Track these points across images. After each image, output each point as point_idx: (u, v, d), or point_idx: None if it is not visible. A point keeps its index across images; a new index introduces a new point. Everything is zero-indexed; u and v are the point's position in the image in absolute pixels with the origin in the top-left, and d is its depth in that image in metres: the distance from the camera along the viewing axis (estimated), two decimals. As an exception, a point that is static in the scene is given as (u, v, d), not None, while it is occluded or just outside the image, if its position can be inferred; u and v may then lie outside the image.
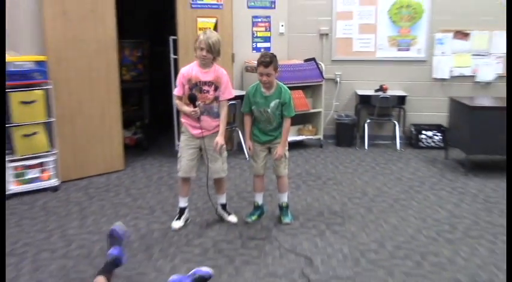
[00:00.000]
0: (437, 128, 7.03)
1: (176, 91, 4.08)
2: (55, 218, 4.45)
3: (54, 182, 5.19)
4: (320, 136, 7.07)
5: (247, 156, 6.40)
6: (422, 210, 4.63)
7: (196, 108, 3.96)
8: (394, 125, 7.05)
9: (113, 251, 3.24)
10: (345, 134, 7.09)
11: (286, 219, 4.31)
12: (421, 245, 3.88)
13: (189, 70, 4.02)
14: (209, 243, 3.91)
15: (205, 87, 4.00)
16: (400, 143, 6.93)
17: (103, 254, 3.72)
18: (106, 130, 5.64)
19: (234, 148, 6.85)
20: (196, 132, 4.06)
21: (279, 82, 4.15)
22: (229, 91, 4.09)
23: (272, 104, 4.08)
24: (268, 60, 3.97)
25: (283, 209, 4.38)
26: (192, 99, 3.97)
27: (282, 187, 4.38)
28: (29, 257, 3.68)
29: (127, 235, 3.45)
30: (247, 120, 4.27)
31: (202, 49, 3.90)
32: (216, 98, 4.06)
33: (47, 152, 5.16)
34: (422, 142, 7.00)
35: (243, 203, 4.77)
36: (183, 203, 4.30)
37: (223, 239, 3.98)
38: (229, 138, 6.81)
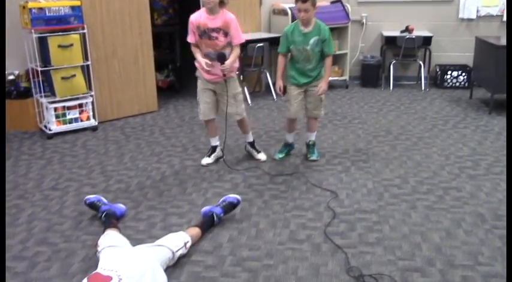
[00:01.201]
0: (463, 68, 6.77)
1: (189, 38, 3.92)
2: (94, 155, 4.51)
3: (92, 122, 5.24)
4: (346, 77, 6.90)
5: (274, 97, 6.33)
6: (446, 147, 4.52)
7: (212, 63, 3.80)
8: (420, 66, 6.81)
9: (104, 207, 3.26)
10: (370, 75, 6.90)
11: (313, 156, 4.26)
12: (444, 181, 3.81)
13: (197, 17, 3.83)
14: (239, 179, 3.92)
15: (214, 34, 3.80)
16: (425, 83, 6.72)
17: (140, 188, 3.78)
18: (140, 73, 5.62)
19: (262, 89, 6.76)
20: (209, 77, 3.94)
21: (318, 19, 3.94)
22: (239, 36, 3.85)
23: (311, 41, 3.87)
24: None
25: (310, 146, 4.31)
26: (220, 58, 3.80)
27: (312, 127, 4.28)
28: (71, 191, 3.76)
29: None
30: (282, 61, 4.05)
31: None
32: (228, 44, 3.86)
33: (85, 93, 5.18)
34: (447, 82, 6.77)
35: (271, 141, 4.74)
36: (213, 142, 4.28)
37: (253, 175, 3.98)
38: (258, 80, 6.71)
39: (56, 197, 3.66)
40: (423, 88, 6.69)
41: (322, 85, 3.97)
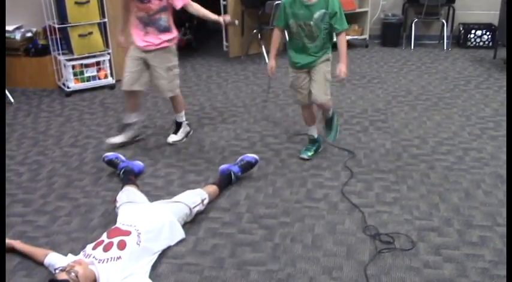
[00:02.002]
0: (487, 27, 6.55)
1: None
2: (113, 113, 4.52)
3: (110, 80, 5.23)
4: (366, 36, 6.74)
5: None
6: (467, 108, 4.43)
7: (146, 29, 3.44)
8: (442, 24, 6.61)
9: (122, 164, 3.27)
10: (391, 34, 6.72)
11: (304, 154, 3.53)
12: (464, 142, 3.74)
13: None
14: (256, 138, 3.90)
15: None
16: (447, 42, 6.54)
17: (158, 146, 3.80)
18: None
19: (280, 48, 6.63)
20: (142, 43, 3.47)
21: None
22: None
23: (316, 15, 3.10)
24: None
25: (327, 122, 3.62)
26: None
27: (326, 112, 3.54)
28: (90, 148, 3.79)
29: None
30: (277, 36, 3.36)
31: None
32: (163, 9, 3.41)
33: (102, 51, 5.15)
34: (471, 41, 6.57)
35: (289, 101, 4.68)
36: (128, 118, 3.75)
37: (270, 134, 3.96)
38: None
39: (76, 154, 3.69)
40: (445, 47, 6.51)
41: (341, 67, 3.22)
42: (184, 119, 3.86)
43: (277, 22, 3.37)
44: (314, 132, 3.57)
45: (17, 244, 2.54)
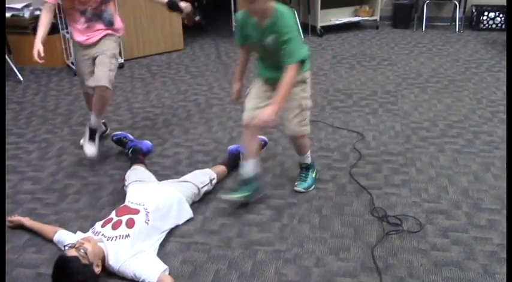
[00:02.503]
0: (501, 8, 6.43)
1: None
2: (121, 92, 4.51)
3: (119, 59, 5.20)
4: (376, 17, 6.65)
5: (302, 36, 6.16)
6: (478, 91, 4.38)
7: (87, 24, 3.09)
8: (455, 6, 6.50)
9: (130, 144, 3.28)
10: (402, 15, 6.63)
11: (300, 186, 2.88)
12: (475, 125, 3.71)
13: None
14: (265, 119, 3.88)
15: None
16: (459, 24, 6.44)
17: (166, 125, 3.79)
18: (165, 10, 5.48)
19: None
20: (85, 38, 3.11)
21: (279, 5, 2.46)
22: None
23: (269, 40, 2.49)
24: None
25: (302, 169, 2.95)
26: (172, 8, 3.17)
27: (300, 148, 2.86)
28: (99, 127, 3.79)
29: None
30: (242, 56, 2.78)
31: None
32: (104, 1, 3.07)
33: (110, 30, 5.12)
34: (483, 24, 6.47)
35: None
36: (94, 119, 3.21)
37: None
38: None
39: (84, 133, 3.69)
40: (457, 29, 6.42)
41: (267, 111, 2.44)
42: (94, 124, 3.22)
43: (236, 40, 2.83)
44: (250, 169, 2.68)
45: (26, 221, 2.56)
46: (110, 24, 3.15)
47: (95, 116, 3.19)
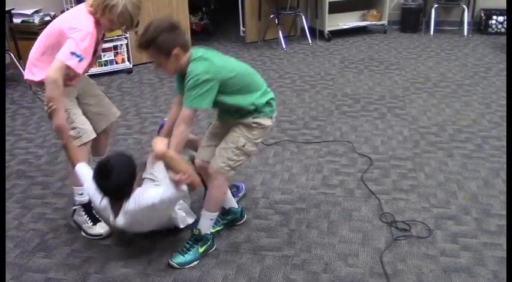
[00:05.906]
0: (509, 12, 6.41)
1: (78, 64, 2.36)
2: (130, 97, 4.53)
3: (127, 64, 5.24)
4: (384, 21, 6.64)
5: (310, 41, 6.17)
6: (487, 95, 4.35)
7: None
8: (463, 10, 6.47)
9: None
10: (410, 20, 6.62)
11: (174, 260, 2.35)
12: (484, 130, 3.69)
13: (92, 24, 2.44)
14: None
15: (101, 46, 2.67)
16: (468, 28, 6.42)
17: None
18: (173, 15, 5.53)
19: (297, 33, 6.60)
20: (73, 82, 2.57)
21: (194, 58, 2.26)
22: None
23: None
24: (142, 42, 2.21)
25: (193, 236, 2.41)
26: None
27: (207, 199, 2.43)
28: (108, 131, 3.81)
29: None
30: (173, 109, 2.49)
31: None
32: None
33: (119, 35, 5.15)
34: (492, 28, 6.44)
35: (305, 86, 4.66)
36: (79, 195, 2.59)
37: (286, 120, 3.94)
38: (293, 23, 6.54)
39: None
40: (466, 34, 6.40)
41: (159, 142, 2.22)
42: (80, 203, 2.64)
43: (174, 88, 2.64)
44: (226, 205, 2.56)
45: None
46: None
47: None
